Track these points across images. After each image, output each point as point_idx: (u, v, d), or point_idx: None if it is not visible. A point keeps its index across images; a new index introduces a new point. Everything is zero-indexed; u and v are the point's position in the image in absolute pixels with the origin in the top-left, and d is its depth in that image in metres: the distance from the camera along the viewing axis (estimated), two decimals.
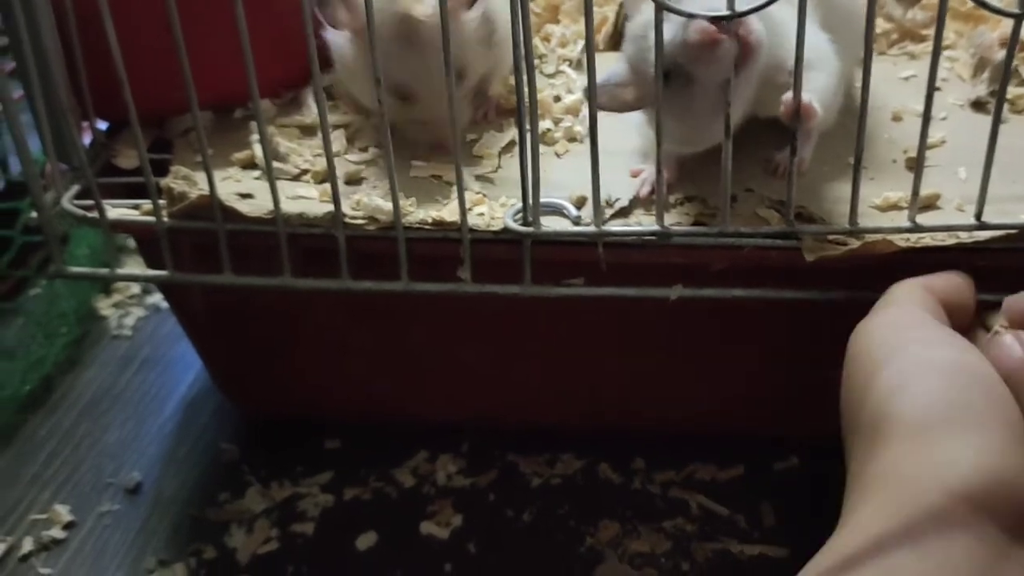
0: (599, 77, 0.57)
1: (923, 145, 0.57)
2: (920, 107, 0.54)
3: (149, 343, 0.93)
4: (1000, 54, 0.74)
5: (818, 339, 0.70)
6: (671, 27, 0.55)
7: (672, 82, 0.57)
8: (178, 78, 0.65)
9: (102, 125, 0.74)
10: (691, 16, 0.54)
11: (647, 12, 0.57)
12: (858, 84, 0.73)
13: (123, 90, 0.60)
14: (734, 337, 0.71)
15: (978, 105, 0.73)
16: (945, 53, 0.79)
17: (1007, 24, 0.76)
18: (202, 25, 0.60)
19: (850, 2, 0.66)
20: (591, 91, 0.56)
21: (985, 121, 0.57)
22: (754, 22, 0.56)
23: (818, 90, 0.59)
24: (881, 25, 0.82)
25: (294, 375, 0.79)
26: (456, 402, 0.78)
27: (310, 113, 0.73)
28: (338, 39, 0.69)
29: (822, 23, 0.64)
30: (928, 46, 0.82)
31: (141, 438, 0.82)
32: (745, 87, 0.58)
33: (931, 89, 0.55)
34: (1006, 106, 0.72)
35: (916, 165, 0.58)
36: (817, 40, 0.62)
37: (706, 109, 0.57)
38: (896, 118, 0.72)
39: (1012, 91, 0.73)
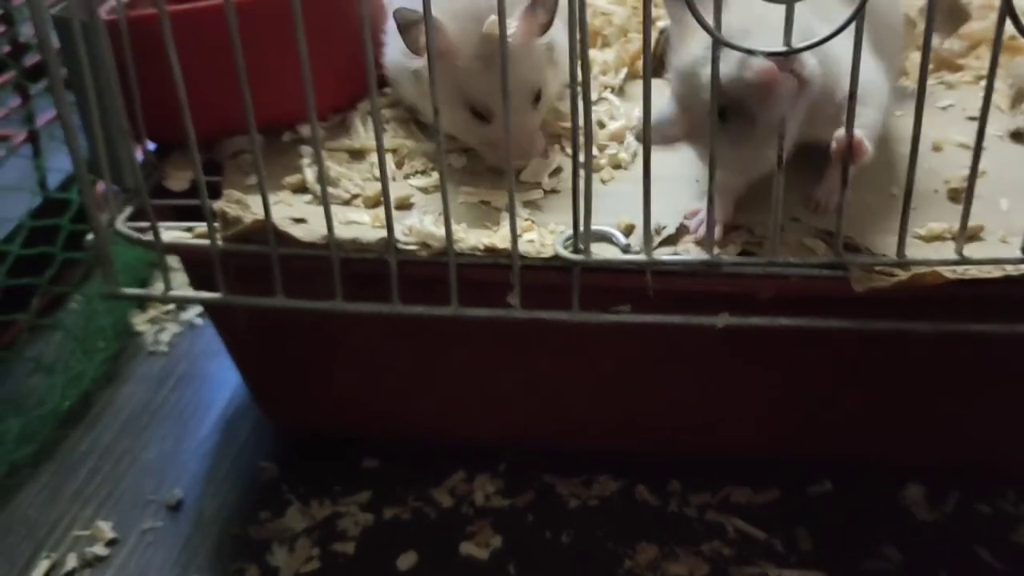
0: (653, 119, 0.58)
1: (973, 178, 0.58)
2: (960, 136, 0.56)
3: (185, 359, 0.94)
4: None
5: (854, 366, 0.72)
6: (725, 64, 0.56)
7: (728, 118, 0.57)
8: (229, 101, 0.66)
9: (151, 146, 0.75)
10: (749, 52, 0.54)
11: (695, 46, 0.58)
12: (898, 112, 0.74)
13: (182, 114, 0.60)
14: (770, 363, 0.71)
15: (1018, 136, 0.74)
16: (980, 84, 0.80)
17: None
18: (252, 48, 0.61)
19: (890, 22, 0.67)
20: (646, 124, 0.57)
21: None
22: (808, 56, 0.56)
23: (868, 126, 0.59)
24: (917, 57, 0.83)
25: (332, 393, 0.80)
26: (493, 423, 0.79)
27: (358, 137, 0.74)
28: (412, 63, 0.69)
29: (873, 45, 0.65)
30: (965, 75, 0.82)
31: (181, 455, 0.83)
32: (798, 118, 0.59)
33: (983, 123, 0.56)
34: None
35: (965, 199, 0.58)
36: (868, 70, 0.62)
37: (761, 142, 0.58)
38: (936, 148, 0.73)
39: None
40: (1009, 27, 0.53)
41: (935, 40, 0.83)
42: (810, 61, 0.57)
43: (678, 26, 0.61)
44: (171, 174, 0.72)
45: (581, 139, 0.57)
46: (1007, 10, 0.52)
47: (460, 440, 0.81)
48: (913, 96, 0.56)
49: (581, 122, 0.57)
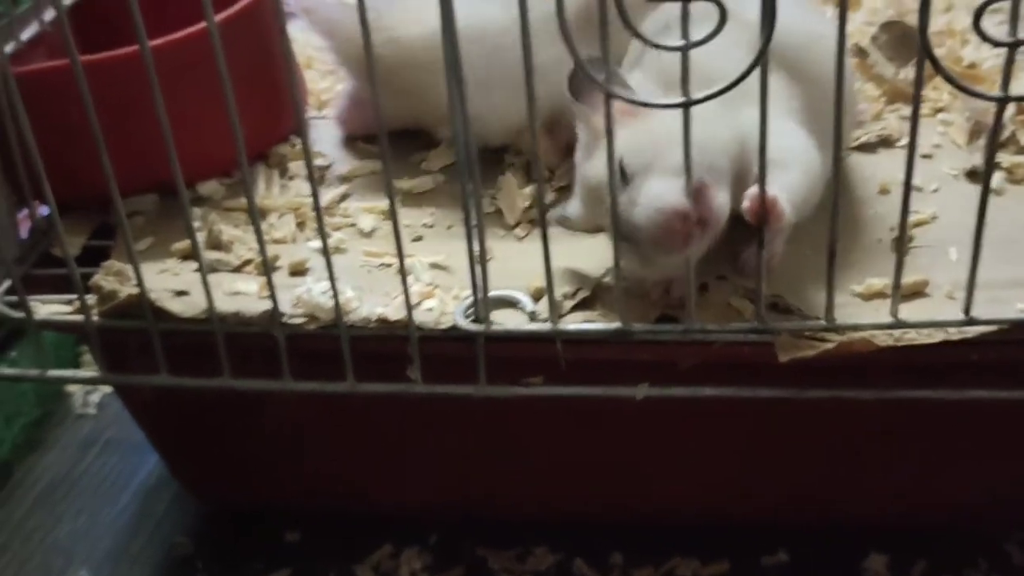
0: (554, 213, 0.54)
1: (903, 235, 0.52)
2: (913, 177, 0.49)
3: (115, 423, 0.89)
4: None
5: (804, 423, 0.66)
6: (632, 205, 0.53)
7: (632, 244, 0.54)
8: (125, 158, 0.62)
9: (44, 210, 0.70)
10: (634, 103, 0.49)
11: (601, 162, 0.53)
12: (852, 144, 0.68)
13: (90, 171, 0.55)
14: (715, 429, 0.66)
15: (973, 175, 0.68)
16: (938, 116, 0.74)
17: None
18: (150, 102, 0.56)
19: (827, 88, 0.61)
20: (539, 198, 0.52)
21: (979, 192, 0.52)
22: (715, 194, 0.53)
23: (789, 188, 0.54)
24: (872, 90, 0.78)
25: (251, 465, 0.75)
26: (423, 493, 0.74)
27: (259, 195, 0.69)
28: None
29: (802, 112, 0.60)
30: (923, 108, 0.76)
31: (95, 530, 0.79)
32: (706, 243, 0.55)
33: (908, 188, 0.51)
34: (1004, 176, 0.68)
35: (896, 257, 0.53)
36: (787, 137, 0.57)
37: (667, 265, 0.55)
38: (883, 191, 0.67)
39: (1009, 159, 0.68)
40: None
41: (889, 70, 0.77)
42: (718, 200, 0.53)
43: (585, 126, 0.58)
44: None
45: (469, 189, 0.52)
46: (925, 52, 0.46)
47: (389, 511, 0.76)
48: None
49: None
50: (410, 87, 0.68)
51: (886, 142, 0.72)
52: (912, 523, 0.72)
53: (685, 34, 0.47)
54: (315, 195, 0.53)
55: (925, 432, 0.65)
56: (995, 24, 0.83)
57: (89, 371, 0.62)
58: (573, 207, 0.60)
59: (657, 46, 0.47)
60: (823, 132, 0.58)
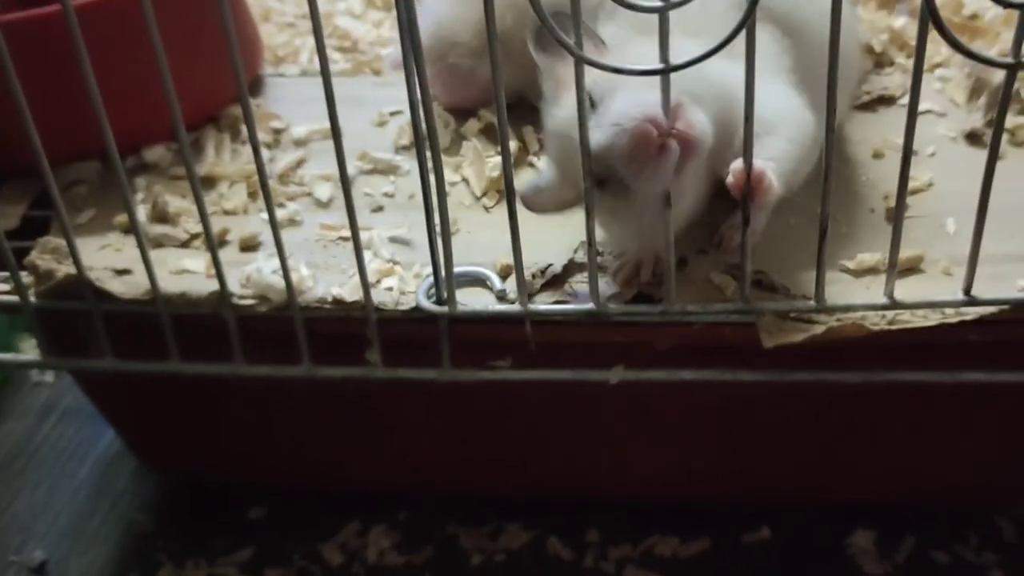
0: (524, 184, 0.49)
1: (899, 215, 0.48)
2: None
3: (71, 391, 0.85)
4: (999, 74, 0.65)
5: (786, 407, 0.62)
6: (598, 129, 0.47)
7: (608, 189, 0.48)
8: (65, 123, 0.57)
9: None
10: (616, 71, 0.44)
11: (569, 104, 0.48)
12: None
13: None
14: (693, 406, 0.62)
15: (973, 137, 0.63)
16: (936, 72, 0.69)
17: (1007, 38, 0.67)
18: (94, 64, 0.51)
19: (820, 41, 0.56)
20: (506, 168, 0.48)
21: (981, 157, 0.48)
22: (694, 112, 0.47)
23: (776, 157, 0.49)
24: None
25: (214, 439, 0.71)
26: (392, 469, 0.71)
27: (206, 162, 0.64)
28: None
29: (794, 68, 0.55)
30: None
31: (52, 505, 0.75)
32: (691, 182, 0.50)
33: (907, 157, 0.46)
34: (1006, 139, 0.63)
35: (893, 234, 0.49)
36: (776, 99, 0.52)
37: (649, 214, 0.49)
38: (877, 155, 0.63)
39: (1012, 120, 0.63)
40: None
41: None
42: (697, 117, 0.47)
43: (550, 79, 0.52)
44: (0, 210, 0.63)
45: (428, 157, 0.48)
46: (930, 15, 0.42)
47: (358, 486, 0.73)
48: None
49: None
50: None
51: (884, 100, 0.67)
52: (900, 498, 0.70)
53: None
54: (260, 169, 0.49)
55: (913, 408, 0.62)
56: None
57: (30, 355, 0.58)
58: (543, 176, 0.55)
59: (633, 7, 0.42)
60: (817, 91, 0.53)
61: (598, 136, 0.47)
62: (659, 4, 0.42)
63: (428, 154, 0.47)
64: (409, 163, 0.65)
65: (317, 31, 0.45)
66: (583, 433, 0.66)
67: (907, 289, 0.52)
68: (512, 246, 0.50)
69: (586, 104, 0.45)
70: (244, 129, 0.67)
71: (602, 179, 0.48)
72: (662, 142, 0.46)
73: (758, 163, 0.47)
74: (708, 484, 0.69)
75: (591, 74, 0.45)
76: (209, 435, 0.71)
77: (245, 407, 0.68)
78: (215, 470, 0.74)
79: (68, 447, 0.81)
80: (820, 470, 0.68)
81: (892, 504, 0.70)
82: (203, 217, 0.50)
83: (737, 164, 0.47)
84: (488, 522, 0.71)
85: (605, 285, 0.54)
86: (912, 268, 0.55)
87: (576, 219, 0.58)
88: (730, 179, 0.47)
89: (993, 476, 0.67)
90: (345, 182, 0.49)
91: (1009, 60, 0.43)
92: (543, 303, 0.54)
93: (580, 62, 0.44)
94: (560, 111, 0.51)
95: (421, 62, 0.46)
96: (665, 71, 0.44)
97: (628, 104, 0.46)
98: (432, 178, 0.48)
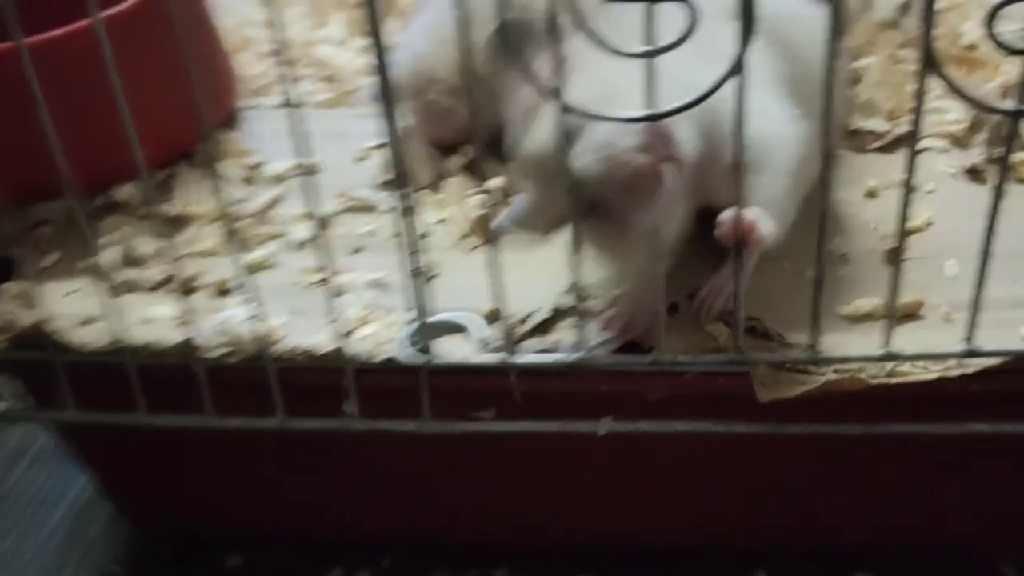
0: (501, 218, 0.47)
1: (899, 260, 0.46)
2: (901, 176, 0.43)
3: (43, 434, 0.82)
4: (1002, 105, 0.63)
5: (781, 455, 0.60)
6: (583, 154, 0.44)
7: (595, 214, 0.46)
8: (27, 159, 0.55)
9: None
10: (603, 119, 0.42)
11: (545, 121, 0.46)
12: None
13: None
14: (685, 454, 0.60)
15: (974, 173, 0.61)
16: (933, 104, 0.67)
17: (1009, 70, 0.66)
18: (58, 95, 0.50)
19: (812, 55, 0.53)
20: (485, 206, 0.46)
21: (982, 193, 0.46)
22: (680, 129, 0.44)
23: (771, 199, 0.47)
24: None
25: (188, 485, 0.69)
26: (375, 516, 0.68)
27: (181, 201, 0.62)
28: None
29: (781, 78, 0.52)
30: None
31: (22, 554, 0.73)
32: (680, 203, 0.47)
33: (905, 205, 0.44)
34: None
35: (891, 282, 0.47)
36: (763, 119, 0.48)
37: (637, 241, 0.46)
38: (870, 194, 0.61)
39: (1013, 155, 0.61)
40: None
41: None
42: (682, 129, 0.44)
43: (512, 102, 0.49)
44: None
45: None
46: (930, 64, 0.40)
47: (340, 532, 0.70)
48: None
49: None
50: None
51: (876, 135, 0.65)
52: (900, 543, 0.67)
53: (650, 39, 0.40)
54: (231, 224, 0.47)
55: (912, 455, 0.60)
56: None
57: None
58: (519, 204, 0.50)
59: (622, 54, 0.40)
60: (809, 102, 0.50)
61: (586, 165, 0.44)
62: (646, 48, 0.40)
63: (405, 197, 0.45)
64: (391, 201, 0.62)
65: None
66: (569, 479, 0.63)
67: (906, 336, 0.50)
68: (495, 294, 0.48)
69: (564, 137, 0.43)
70: (220, 165, 0.65)
71: (591, 205, 0.45)
72: (656, 169, 0.44)
73: (749, 213, 0.45)
74: (701, 529, 0.67)
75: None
76: (184, 481, 0.68)
77: (219, 453, 0.65)
78: (191, 517, 0.71)
79: (39, 492, 0.78)
80: (817, 515, 0.65)
81: (892, 548, 0.67)
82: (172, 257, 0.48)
83: (727, 214, 0.44)
84: (473, 568, 0.69)
85: (591, 330, 0.52)
86: (911, 314, 0.53)
87: (561, 263, 0.56)
88: (720, 230, 0.45)
89: (995, 520, 0.65)
90: (323, 224, 0.47)
91: (1012, 107, 0.41)
92: (528, 351, 0.52)
93: (561, 109, 0.42)
94: (535, 142, 0.48)
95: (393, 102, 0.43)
96: (652, 118, 0.42)
97: (618, 130, 0.44)
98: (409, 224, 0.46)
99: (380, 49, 0.42)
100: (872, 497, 0.64)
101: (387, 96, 0.43)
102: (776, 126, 0.50)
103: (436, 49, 0.63)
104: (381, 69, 0.43)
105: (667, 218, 0.45)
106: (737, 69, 0.40)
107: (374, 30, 0.42)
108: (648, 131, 0.44)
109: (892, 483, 0.62)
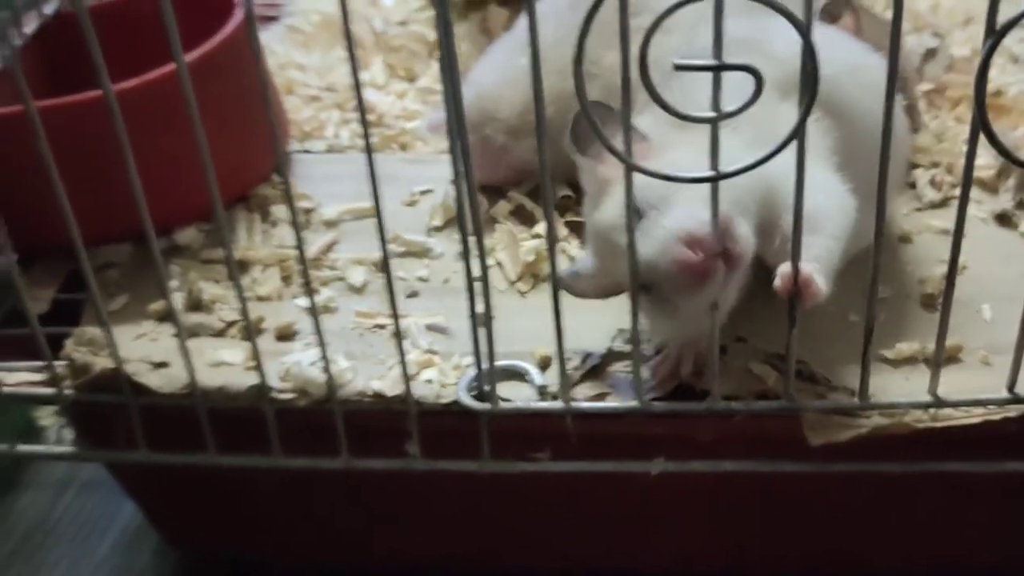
0: (564, 270, 0.50)
1: (947, 310, 0.48)
2: (935, 220, 0.46)
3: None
4: None
5: (815, 492, 0.62)
6: (646, 241, 0.47)
7: (652, 294, 0.49)
8: (95, 204, 0.57)
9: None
10: (666, 178, 0.44)
11: (612, 206, 0.49)
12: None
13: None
14: (724, 490, 0.62)
15: (1003, 219, 0.64)
16: (961, 147, 0.69)
17: None
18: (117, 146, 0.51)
19: (867, 124, 0.55)
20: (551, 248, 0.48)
21: (1012, 238, 0.48)
22: (739, 225, 0.47)
23: (821, 257, 0.49)
24: None
25: (241, 516, 0.71)
26: (424, 545, 0.70)
27: (240, 245, 0.64)
28: None
29: (835, 149, 0.55)
30: (945, 143, 0.71)
31: None
32: (735, 285, 0.50)
33: (956, 250, 0.46)
34: None
35: (939, 329, 0.49)
36: (818, 191, 0.51)
37: (692, 317, 0.49)
38: (904, 239, 0.63)
39: None
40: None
41: None
42: (741, 231, 0.47)
43: (589, 176, 0.53)
44: (31, 293, 0.62)
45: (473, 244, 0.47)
46: (982, 126, 0.42)
47: (388, 561, 0.72)
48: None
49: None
50: None
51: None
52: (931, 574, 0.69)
53: (716, 105, 0.42)
54: (302, 252, 0.49)
55: (946, 491, 0.62)
56: (1017, 41, 0.79)
57: (62, 446, 0.57)
58: (584, 263, 0.56)
59: (687, 117, 0.42)
60: (860, 171, 0.54)
61: (645, 250, 0.47)
62: (711, 115, 0.42)
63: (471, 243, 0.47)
64: (442, 245, 0.65)
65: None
66: (612, 511, 0.65)
67: (947, 380, 0.52)
68: (556, 342, 0.50)
69: (632, 211, 0.45)
70: (274, 209, 0.67)
71: (646, 285, 0.48)
72: (708, 266, 0.46)
73: (805, 267, 0.47)
74: (736, 559, 0.68)
75: (637, 179, 0.45)
76: (236, 513, 0.70)
77: (275, 486, 0.67)
78: (241, 547, 0.73)
79: (88, 521, 0.80)
80: (848, 547, 0.67)
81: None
82: (242, 303, 0.50)
83: (784, 268, 0.47)
84: None
85: (645, 373, 0.54)
86: (951, 357, 0.55)
87: (614, 305, 0.58)
88: (777, 283, 0.47)
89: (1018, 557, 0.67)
90: (388, 272, 0.48)
91: None
92: (583, 394, 0.54)
93: (630, 169, 0.44)
94: (604, 214, 0.51)
95: (466, 144, 0.46)
96: (715, 178, 0.44)
97: (677, 222, 0.47)
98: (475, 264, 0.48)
99: (455, 89, 0.44)
100: (903, 529, 0.66)
101: (463, 141, 0.45)
102: (829, 195, 0.53)
103: (501, 89, 0.65)
104: (457, 116, 0.45)
105: (721, 300, 0.48)
106: (798, 134, 0.42)
107: (450, 76, 0.44)
108: (710, 225, 0.46)
109: (923, 516, 0.64)
